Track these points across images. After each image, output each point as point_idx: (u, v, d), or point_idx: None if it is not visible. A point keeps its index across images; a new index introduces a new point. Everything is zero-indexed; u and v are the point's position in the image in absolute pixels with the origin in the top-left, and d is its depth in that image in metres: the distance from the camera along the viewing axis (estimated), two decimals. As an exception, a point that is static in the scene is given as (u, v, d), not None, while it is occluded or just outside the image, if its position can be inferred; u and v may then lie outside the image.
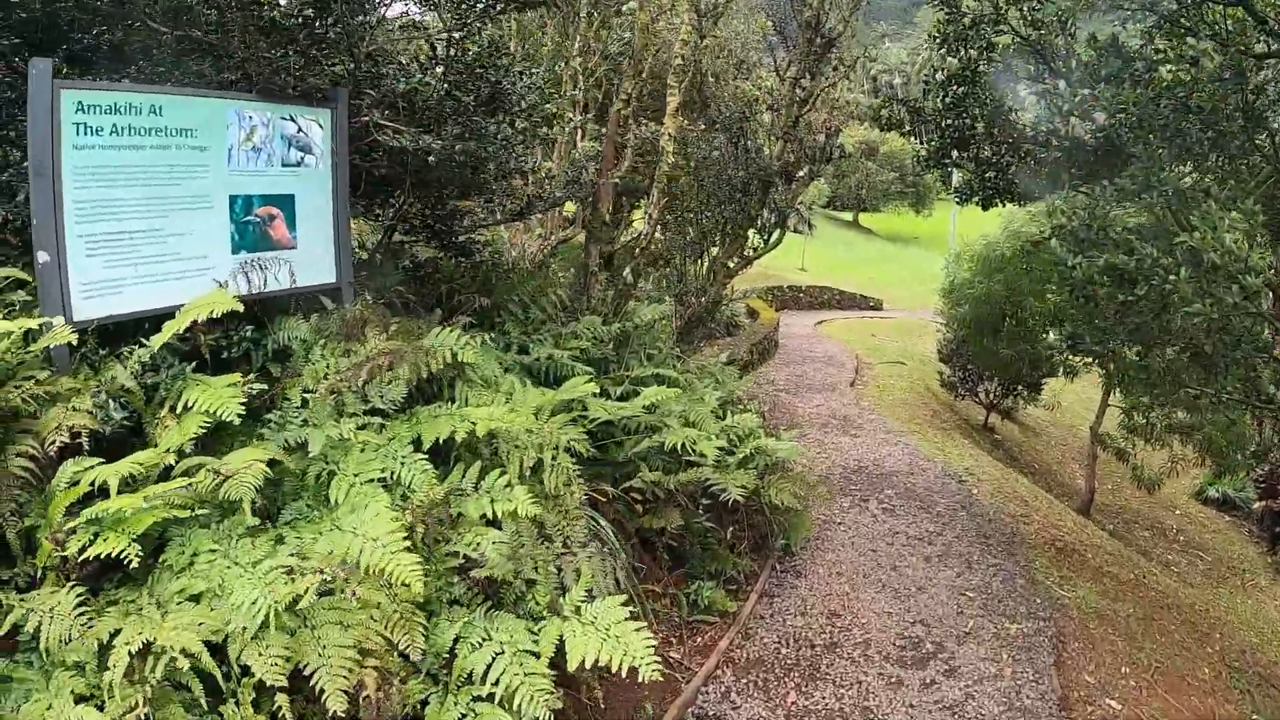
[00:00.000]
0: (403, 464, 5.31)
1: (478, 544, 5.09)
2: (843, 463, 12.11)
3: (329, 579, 4.08)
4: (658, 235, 9.68)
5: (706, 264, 10.23)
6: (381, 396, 5.62)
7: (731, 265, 10.43)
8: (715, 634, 6.98)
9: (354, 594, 4.13)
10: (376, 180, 7.48)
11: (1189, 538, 18.73)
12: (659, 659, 4.47)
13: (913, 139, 9.40)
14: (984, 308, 16.00)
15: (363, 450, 5.41)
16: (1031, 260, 13.82)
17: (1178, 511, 20.16)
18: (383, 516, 4.63)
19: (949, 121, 8.72)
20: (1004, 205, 9.70)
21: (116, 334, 5.27)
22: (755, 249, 11.01)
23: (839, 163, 66.49)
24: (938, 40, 8.24)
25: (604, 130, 9.61)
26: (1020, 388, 18.58)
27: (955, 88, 8.50)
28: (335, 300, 6.61)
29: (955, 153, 9.07)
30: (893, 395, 18.10)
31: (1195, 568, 16.88)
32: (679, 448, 6.93)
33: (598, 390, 7.85)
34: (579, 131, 10.42)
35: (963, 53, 8.25)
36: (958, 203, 9.67)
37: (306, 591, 3.91)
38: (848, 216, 72.60)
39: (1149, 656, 8.27)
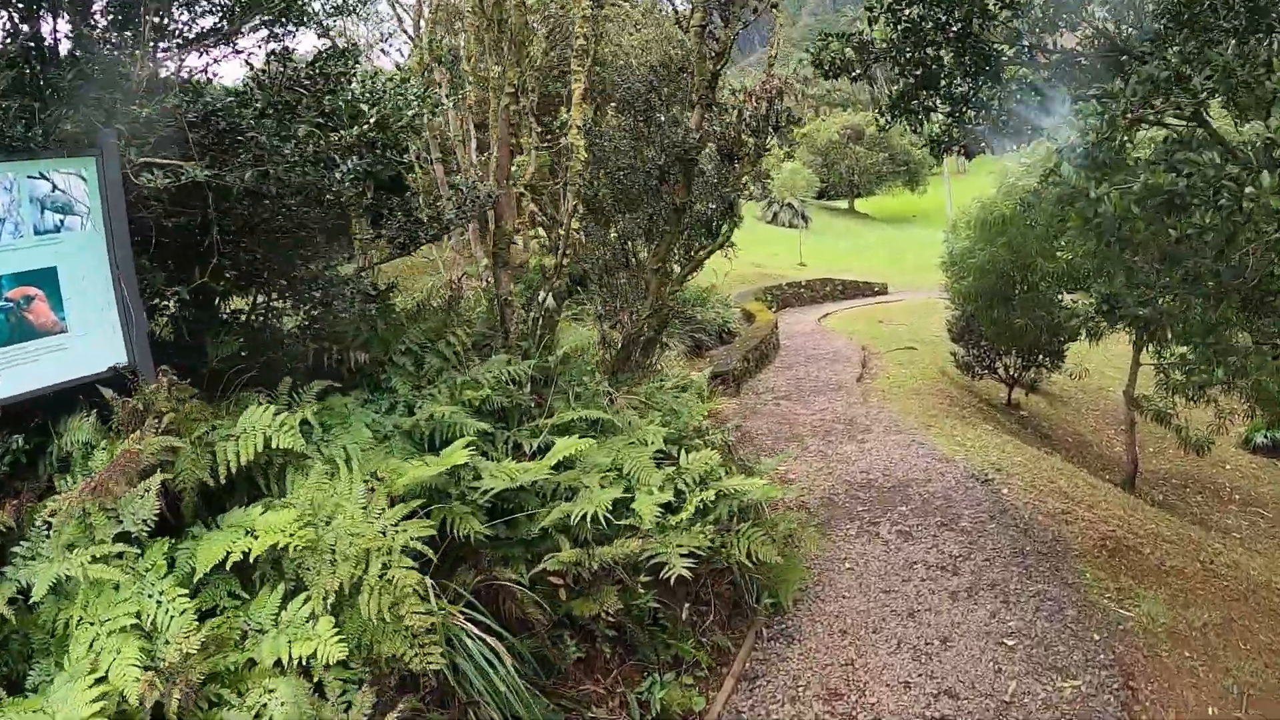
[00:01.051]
0: (159, 603, 3.70)
1: (264, 706, 3.46)
2: (848, 477, 10.34)
3: None
4: (576, 246, 8.01)
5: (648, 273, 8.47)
6: (133, 514, 3.95)
7: (677, 269, 8.70)
8: (675, 748, 5.26)
9: None
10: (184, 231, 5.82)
11: (1245, 494, 16.96)
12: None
13: (867, 84, 7.67)
14: (989, 277, 14.20)
15: (117, 589, 3.81)
16: (1035, 214, 12.02)
17: (1228, 466, 18.35)
18: (89, 690, 3.12)
19: (908, 54, 6.98)
20: (992, 151, 7.99)
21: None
22: (705, 246, 9.28)
23: (825, 147, 64.86)
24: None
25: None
26: (1041, 357, 16.75)
27: (906, 8, 6.77)
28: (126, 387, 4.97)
29: (923, 93, 7.31)
30: (904, 386, 16.30)
31: (1257, 528, 15.13)
32: (588, 517, 5.21)
33: (506, 448, 6.23)
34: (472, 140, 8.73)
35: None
36: (933, 154, 7.95)
37: None
38: (843, 205, 70.82)
39: (1237, 677, 6.54)
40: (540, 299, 7.52)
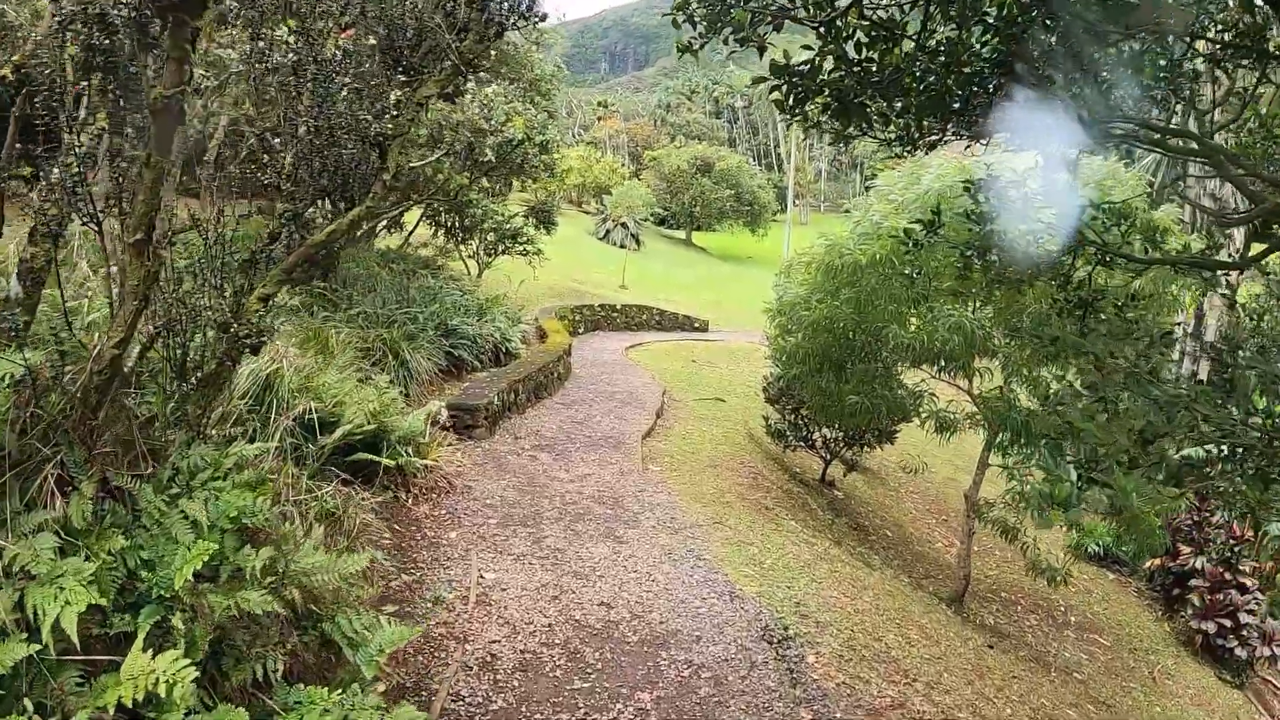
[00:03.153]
0: None
1: None
2: (580, 613, 6.56)
3: None
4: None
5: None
6: None
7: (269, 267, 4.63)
8: None
9: None
10: None
11: (1080, 615, 14.41)
12: None
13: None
14: (823, 336, 10.68)
15: None
16: (910, 261, 8.57)
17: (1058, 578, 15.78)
18: None
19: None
20: (912, 150, 4.45)
21: None
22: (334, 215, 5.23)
23: (672, 174, 61.89)
24: None
25: None
26: (868, 436, 13.56)
27: None
28: None
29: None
30: (700, 452, 12.74)
31: (1097, 662, 12.52)
32: None
33: None
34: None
35: None
36: (789, 122, 4.26)
37: None
38: (681, 235, 68.17)
39: None
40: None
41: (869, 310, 9.84)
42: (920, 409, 10.57)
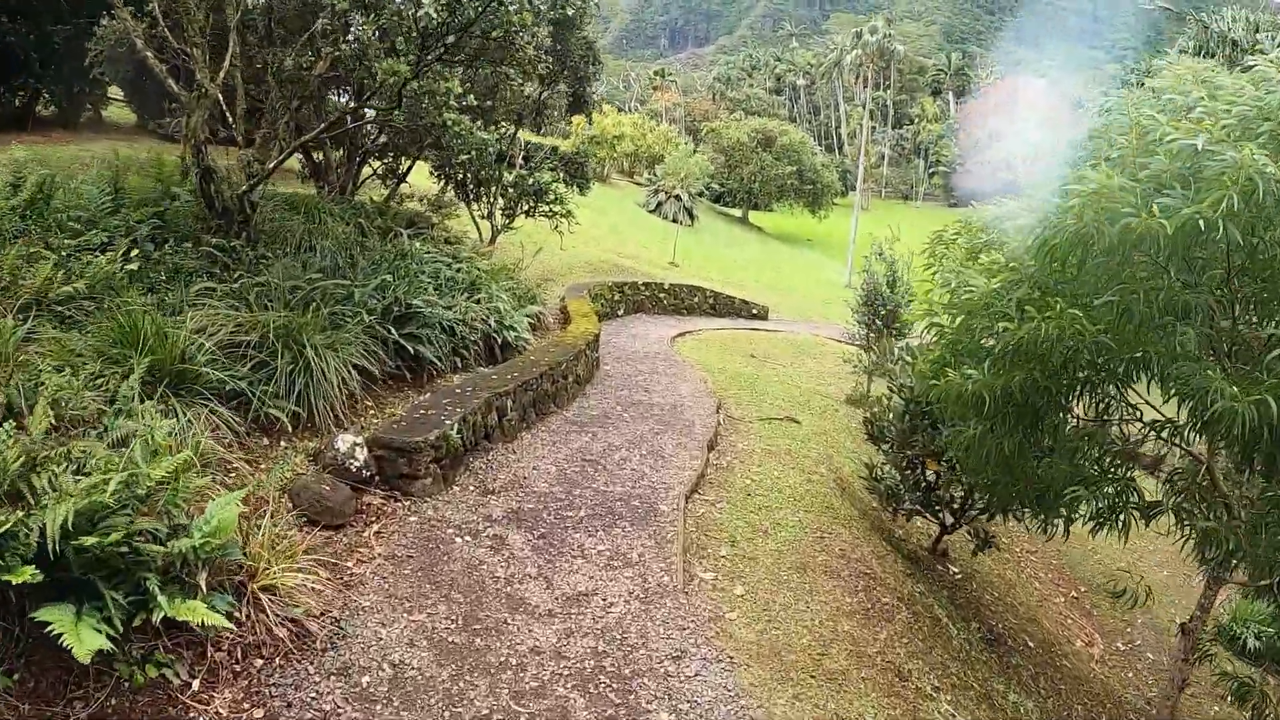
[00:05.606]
0: None
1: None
2: None
3: None
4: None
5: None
6: None
7: None
8: None
9: None
10: None
11: None
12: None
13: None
14: (1026, 370, 5.54)
15: None
16: None
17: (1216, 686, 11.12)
18: None
19: None
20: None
21: None
22: None
23: (730, 147, 56.72)
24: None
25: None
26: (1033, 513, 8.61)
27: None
28: None
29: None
30: (777, 530, 7.80)
31: None
32: None
33: None
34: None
35: None
36: None
37: None
38: (737, 213, 62.92)
39: None
40: None
41: (1137, 329, 4.86)
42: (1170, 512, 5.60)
